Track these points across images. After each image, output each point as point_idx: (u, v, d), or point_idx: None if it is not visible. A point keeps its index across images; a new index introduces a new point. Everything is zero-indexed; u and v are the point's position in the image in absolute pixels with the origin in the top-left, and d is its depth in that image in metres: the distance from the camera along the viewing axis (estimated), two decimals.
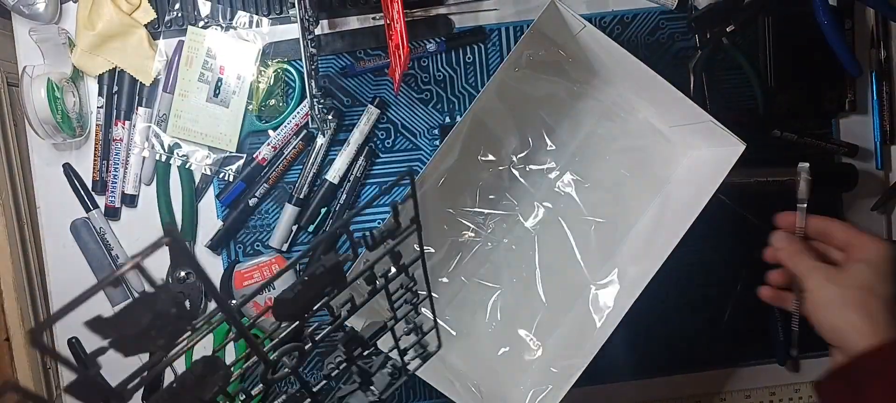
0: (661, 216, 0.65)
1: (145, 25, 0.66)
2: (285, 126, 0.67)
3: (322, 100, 0.62)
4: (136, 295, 0.68)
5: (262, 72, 0.67)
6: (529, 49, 0.65)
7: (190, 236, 0.68)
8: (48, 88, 0.62)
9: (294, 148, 0.67)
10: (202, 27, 0.66)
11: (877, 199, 0.71)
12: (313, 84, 0.59)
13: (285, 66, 0.67)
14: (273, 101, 0.68)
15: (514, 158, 0.67)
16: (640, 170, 0.67)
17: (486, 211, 0.68)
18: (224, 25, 0.66)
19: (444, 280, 0.68)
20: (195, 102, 0.66)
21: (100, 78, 0.67)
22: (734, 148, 0.58)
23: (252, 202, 0.67)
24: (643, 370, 0.72)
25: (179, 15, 0.67)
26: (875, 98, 0.71)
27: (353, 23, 0.68)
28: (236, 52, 0.66)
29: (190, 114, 0.66)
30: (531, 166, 0.68)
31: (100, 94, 0.67)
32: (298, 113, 0.67)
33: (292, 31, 0.67)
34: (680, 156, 0.67)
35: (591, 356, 0.58)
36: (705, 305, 0.71)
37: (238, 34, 0.66)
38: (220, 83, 0.65)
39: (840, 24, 0.67)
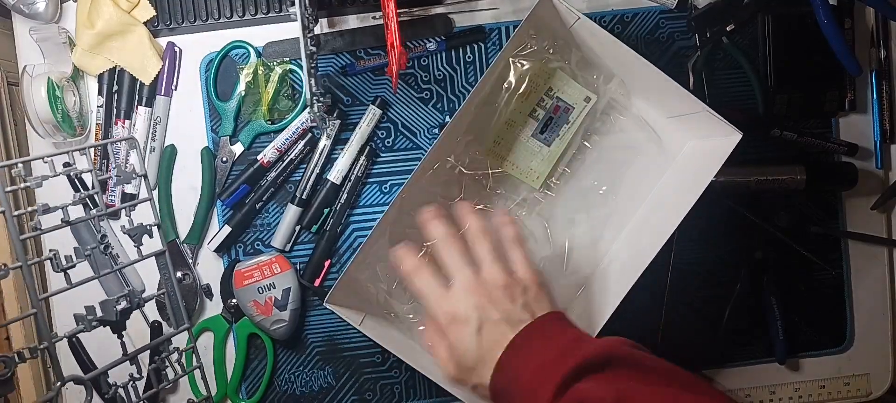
0: (659, 205, 0.65)
1: (145, 23, 0.66)
2: (291, 129, 0.67)
3: (321, 99, 0.62)
4: (134, 291, 0.68)
5: (268, 75, 0.67)
6: (525, 42, 0.65)
7: (195, 239, 0.68)
8: (48, 87, 0.62)
9: (301, 152, 0.67)
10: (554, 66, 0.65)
11: (876, 198, 0.71)
12: (313, 82, 0.59)
13: (290, 66, 0.67)
14: (283, 103, 0.68)
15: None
16: (638, 161, 0.67)
17: (481, 206, 0.68)
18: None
19: None
20: (520, 134, 0.66)
21: (100, 77, 0.67)
22: (731, 137, 0.58)
23: (257, 205, 0.68)
24: None
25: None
26: (875, 97, 0.71)
27: (352, 22, 0.68)
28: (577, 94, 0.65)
29: (509, 144, 0.66)
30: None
31: (100, 93, 0.67)
32: (306, 116, 0.67)
33: (292, 29, 0.67)
34: (677, 146, 0.67)
35: None
36: (705, 305, 0.71)
37: None
38: (550, 122, 0.65)
39: (840, 24, 0.67)
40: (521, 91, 0.65)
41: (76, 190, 0.67)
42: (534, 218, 0.68)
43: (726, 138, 0.58)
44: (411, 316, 0.66)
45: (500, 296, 0.50)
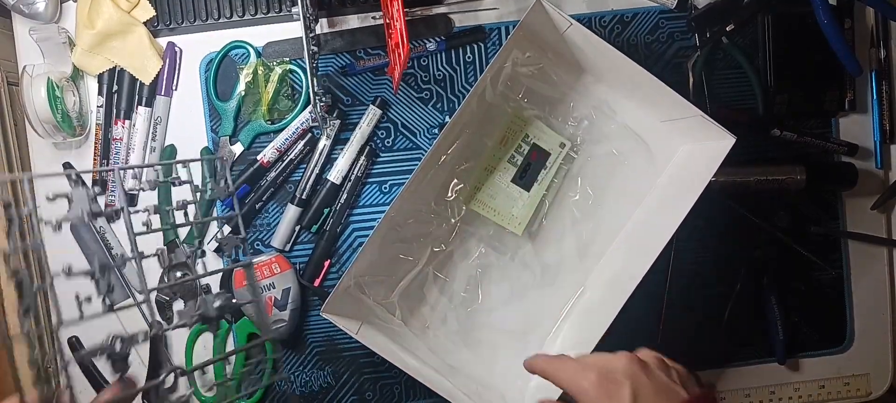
0: (655, 211, 0.65)
1: (145, 23, 0.66)
2: (291, 129, 0.67)
3: (322, 99, 0.62)
4: (136, 293, 0.68)
5: (268, 75, 0.67)
6: (518, 49, 0.65)
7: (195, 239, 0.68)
8: (48, 88, 0.62)
9: (300, 152, 0.67)
10: None
11: (876, 198, 0.71)
12: (315, 82, 0.59)
13: (289, 66, 0.67)
14: (283, 103, 0.68)
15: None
16: (632, 166, 0.67)
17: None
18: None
19: (461, 294, 0.68)
20: (500, 180, 0.66)
21: (100, 77, 0.67)
22: (725, 141, 0.58)
23: (257, 205, 0.68)
24: None
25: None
26: (875, 97, 0.71)
27: (352, 22, 0.68)
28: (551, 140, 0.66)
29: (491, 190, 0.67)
30: None
31: (100, 93, 0.67)
32: (305, 116, 0.67)
33: (292, 29, 0.67)
34: (672, 151, 0.67)
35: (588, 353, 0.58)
36: (705, 305, 0.71)
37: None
38: (528, 168, 0.65)
39: (840, 24, 0.67)
40: (500, 139, 0.66)
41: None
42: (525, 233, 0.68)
43: (721, 142, 0.58)
44: (401, 325, 0.66)
45: (653, 368, 0.46)
